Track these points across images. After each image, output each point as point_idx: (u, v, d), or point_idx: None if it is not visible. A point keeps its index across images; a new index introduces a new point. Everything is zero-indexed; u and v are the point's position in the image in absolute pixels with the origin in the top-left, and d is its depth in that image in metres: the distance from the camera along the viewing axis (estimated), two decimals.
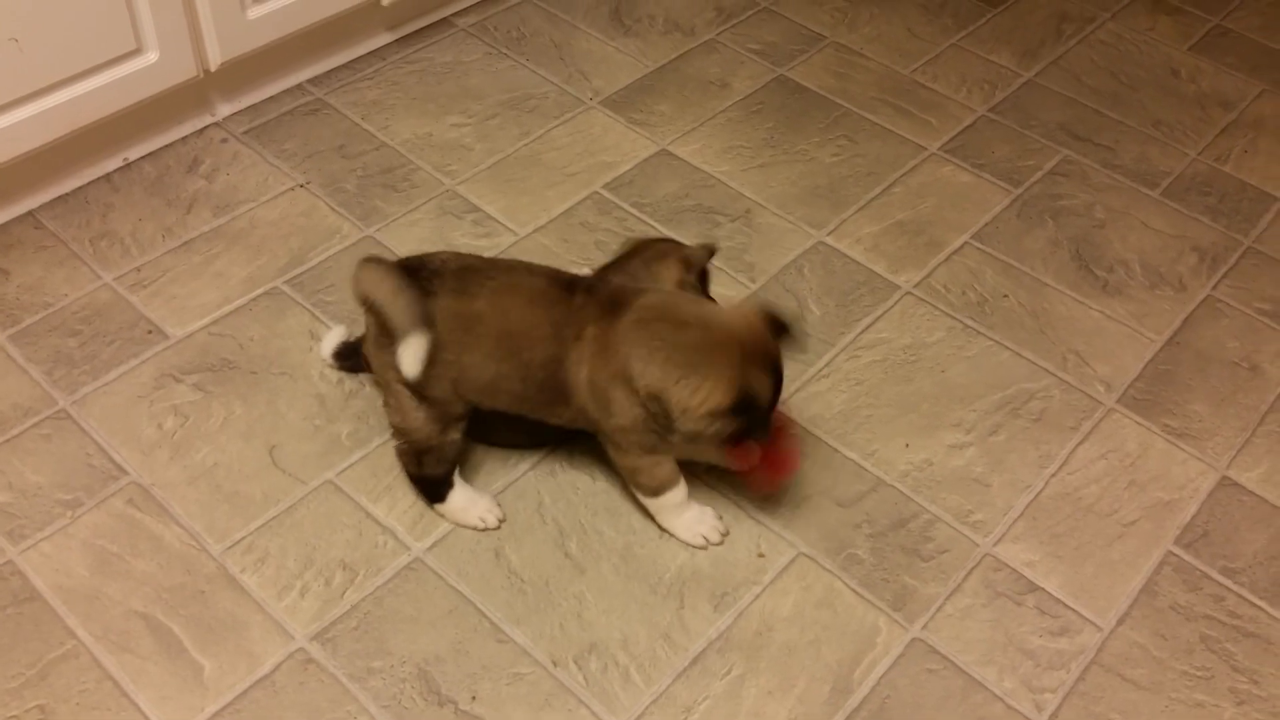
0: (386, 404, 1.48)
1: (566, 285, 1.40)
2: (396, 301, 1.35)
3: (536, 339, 1.37)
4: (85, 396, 1.62)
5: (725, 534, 1.51)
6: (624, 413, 1.37)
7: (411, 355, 1.35)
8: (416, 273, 1.38)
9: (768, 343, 1.36)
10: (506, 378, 1.39)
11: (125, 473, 1.54)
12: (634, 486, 1.49)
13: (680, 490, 1.48)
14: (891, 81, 2.22)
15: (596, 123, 2.10)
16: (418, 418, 1.43)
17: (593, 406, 1.39)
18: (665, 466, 1.46)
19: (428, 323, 1.35)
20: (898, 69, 2.25)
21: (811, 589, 1.47)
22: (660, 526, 1.51)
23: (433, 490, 1.49)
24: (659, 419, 1.35)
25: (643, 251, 1.53)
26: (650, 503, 1.49)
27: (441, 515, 1.51)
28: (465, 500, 1.49)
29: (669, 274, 1.50)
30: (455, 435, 1.46)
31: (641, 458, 1.43)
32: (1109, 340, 1.79)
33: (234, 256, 1.82)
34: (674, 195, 1.97)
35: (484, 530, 1.50)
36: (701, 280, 1.54)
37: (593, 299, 1.38)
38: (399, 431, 1.47)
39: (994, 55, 2.30)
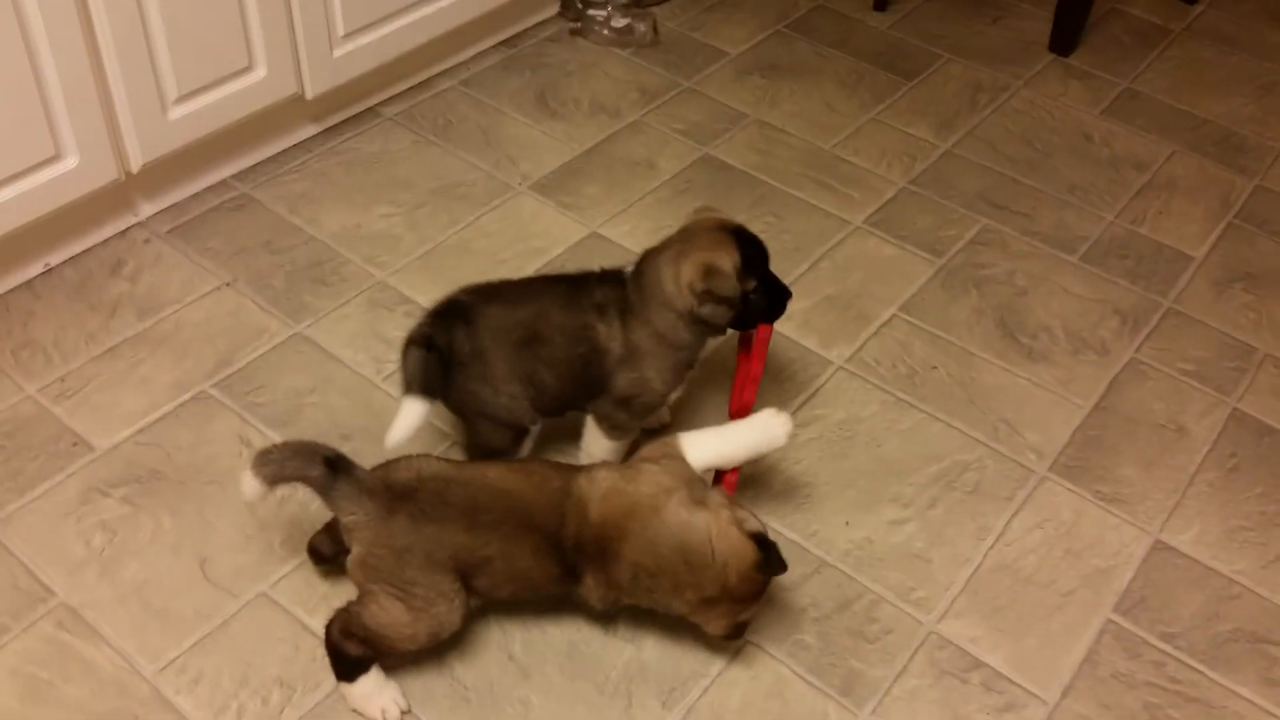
0: (366, 605, 1.34)
1: (562, 519, 1.37)
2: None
3: (544, 583, 1.39)
4: (10, 515, 1.58)
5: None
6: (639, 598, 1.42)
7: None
8: (412, 494, 1.34)
9: (744, 542, 1.35)
10: (518, 596, 1.44)
11: (53, 594, 1.50)
12: None
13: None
14: (814, 157, 2.26)
15: (526, 207, 2.11)
16: (402, 626, 1.33)
17: (605, 605, 1.43)
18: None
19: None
20: (819, 144, 2.29)
21: (759, 679, 1.46)
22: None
23: (348, 669, 1.37)
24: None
25: (682, 247, 1.54)
26: None
27: (343, 695, 1.39)
28: (373, 688, 1.37)
29: (684, 273, 1.50)
30: (411, 654, 1.39)
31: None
32: (1037, 407, 1.82)
33: (159, 361, 1.79)
34: None
35: None
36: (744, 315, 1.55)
37: (590, 558, 1.37)
38: (373, 632, 1.34)
39: (911, 128, 2.35)
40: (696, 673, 1.46)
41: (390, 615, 1.33)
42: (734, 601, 1.37)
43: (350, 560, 1.36)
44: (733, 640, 1.47)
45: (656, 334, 1.53)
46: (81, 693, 1.41)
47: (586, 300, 1.55)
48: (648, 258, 1.57)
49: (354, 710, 1.39)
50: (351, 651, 1.36)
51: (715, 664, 1.47)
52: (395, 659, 1.40)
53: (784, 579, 1.56)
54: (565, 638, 1.49)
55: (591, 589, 1.39)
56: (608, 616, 1.50)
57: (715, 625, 1.40)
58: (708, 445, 1.44)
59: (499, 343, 1.52)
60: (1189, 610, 1.58)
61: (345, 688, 1.38)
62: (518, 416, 1.54)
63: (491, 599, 1.42)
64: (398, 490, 1.34)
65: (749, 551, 1.34)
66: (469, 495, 1.36)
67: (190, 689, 1.41)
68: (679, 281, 1.51)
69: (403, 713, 1.39)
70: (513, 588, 1.40)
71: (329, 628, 1.37)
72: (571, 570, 1.38)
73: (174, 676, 1.43)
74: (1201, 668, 1.51)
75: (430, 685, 1.43)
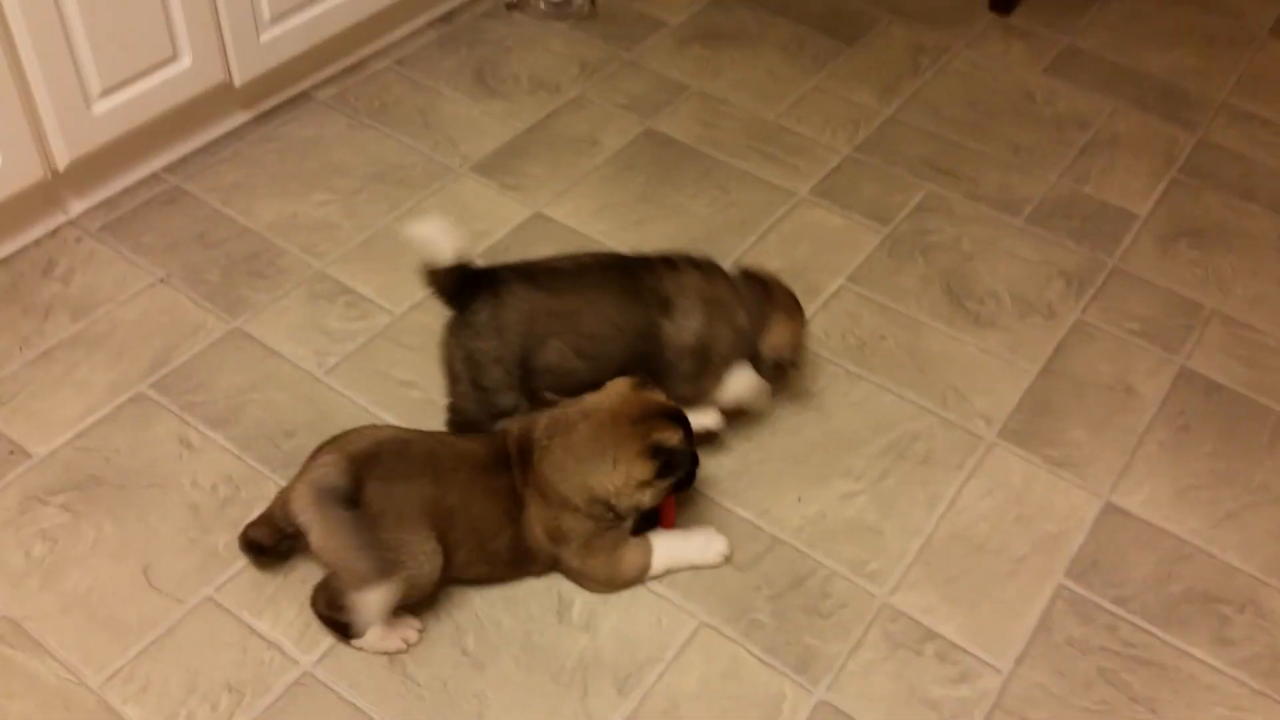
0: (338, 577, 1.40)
1: (501, 455, 1.46)
2: (356, 553, 1.34)
3: (498, 530, 1.44)
4: None
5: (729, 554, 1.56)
6: (579, 531, 1.45)
7: (376, 606, 1.37)
8: (375, 459, 1.38)
9: (644, 399, 1.45)
10: (474, 564, 1.45)
11: None
12: (620, 588, 1.52)
13: (659, 558, 1.52)
14: (758, 127, 2.24)
15: (467, 190, 2.08)
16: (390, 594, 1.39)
17: (554, 548, 1.47)
18: (630, 553, 1.50)
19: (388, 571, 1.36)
20: (763, 114, 2.27)
21: (715, 660, 1.46)
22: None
23: (343, 631, 1.42)
24: (607, 513, 1.44)
25: (777, 297, 1.64)
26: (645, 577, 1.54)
27: (359, 649, 1.43)
28: (381, 630, 1.41)
29: (780, 332, 1.61)
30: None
31: (605, 556, 1.48)
32: (985, 373, 1.82)
33: (95, 363, 1.75)
34: None
35: (398, 652, 1.43)
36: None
37: (519, 466, 1.44)
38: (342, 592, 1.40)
39: (854, 94, 2.33)
40: (652, 658, 1.46)
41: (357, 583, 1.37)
42: (636, 421, 1.42)
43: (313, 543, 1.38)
44: (676, 472, 1.44)
45: (737, 329, 1.58)
46: (26, 707, 1.38)
47: (650, 295, 1.55)
48: (755, 280, 1.62)
49: (377, 653, 1.43)
50: (344, 618, 1.40)
51: (670, 648, 1.47)
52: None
53: (737, 558, 1.56)
54: (519, 629, 1.48)
55: (532, 514, 1.43)
56: (555, 568, 1.50)
57: (639, 453, 1.41)
58: None
59: (526, 328, 1.52)
60: (1141, 572, 1.58)
61: (356, 642, 1.42)
62: (513, 400, 1.55)
63: (448, 563, 1.42)
64: (360, 458, 1.38)
65: (622, 380, 1.46)
66: (427, 449, 1.43)
67: (138, 698, 1.39)
68: (776, 327, 1.61)
69: (419, 632, 1.45)
70: (471, 544, 1.42)
71: (313, 605, 1.43)
72: (518, 501, 1.43)
73: (121, 686, 1.40)
74: (1154, 630, 1.52)
75: (383, 684, 1.41)
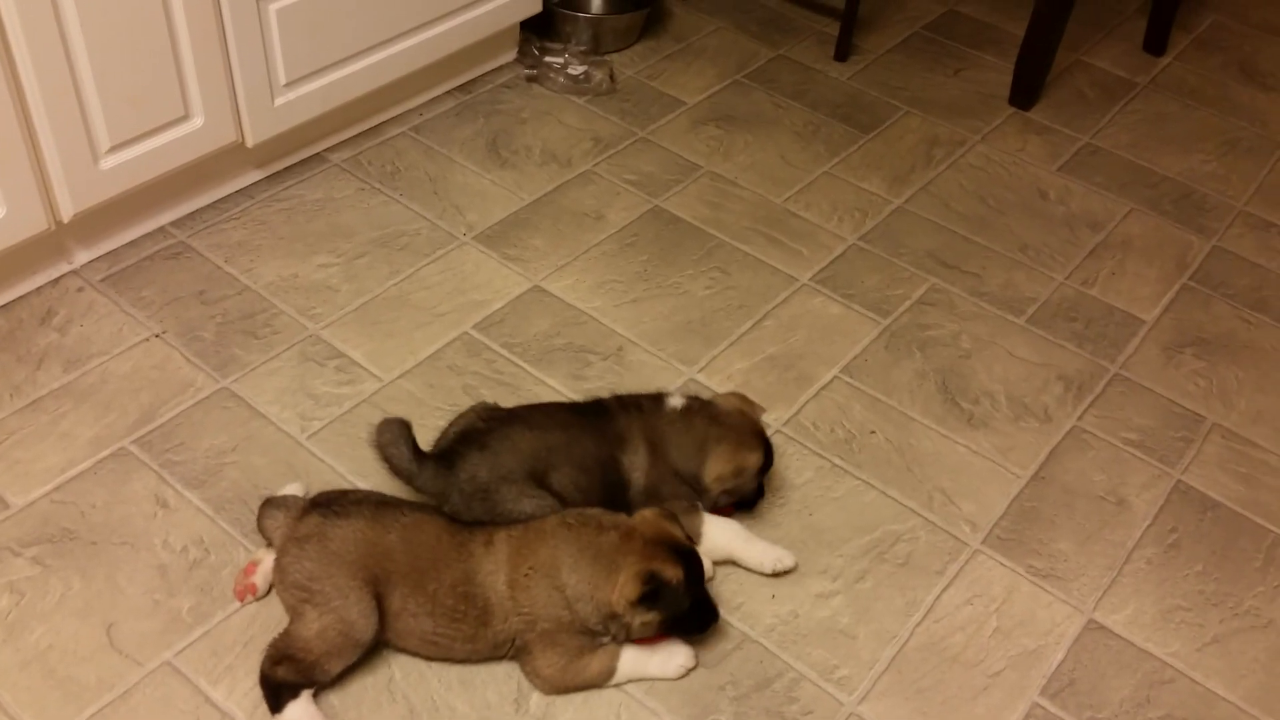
0: (288, 625, 1.44)
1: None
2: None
3: (441, 564, 1.43)
4: None
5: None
6: (549, 611, 1.43)
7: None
8: (332, 503, 1.48)
9: (661, 528, 1.45)
10: (414, 615, 1.43)
11: None
12: (564, 693, 1.48)
13: (621, 674, 1.48)
14: (764, 211, 2.23)
15: (469, 259, 2.08)
16: (310, 623, 1.41)
17: (516, 618, 1.44)
18: (594, 664, 1.47)
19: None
20: (771, 198, 2.27)
21: None
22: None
23: (274, 697, 1.40)
24: (592, 619, 1.43)
25: (726, 424, 1.63)
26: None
27: None
28: (301, 716, 1.39)
29: (717, 463, 1.61)
30: (336, 668, 1.43)
31: (565, 659, 1.45)
32: (974, 476, 1.79)
33: (82, 415, 1.76)
34: (545, 334, 1.95)
35: None
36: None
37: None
38: (291, 639, 1.42)
39: (865, 182, 2.33)
40: None
41: (303, 621, 1.41)
42: (647, 542, 1.44)
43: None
44: (661, 607, 1.43)
45: (676, 470, 1.63)
46: None
47: (612, 433, 1.61)
48: (700, 410, 1.64)
49: None
50: (279, 675, 1.40)
51: None
52: (323, 678, 1.42)
53: (703, 656, 1.53)
54: (474, 716, 1.45)
55: (497, 558, 1.44)
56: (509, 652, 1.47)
57: (634, 575, 1.40)
58: None
59: (529, 463, 1.55)
60: (1119, 694, 1.54)
61: (278, 718, 1.41)
62: (531, 506, 1.55)
63: (387, 606, 1.43)
64: (317, 499, 1.50)
65: (651, 510, 1.51)
66: (379, 498, 1.51)
67: None
68: (714, 460, 1.62)
69: None
70: (409, 585, 1.42)
71: (262, 662, 1.42)
72: (468, 528, 1.47)
73: None
74: None
75: None
